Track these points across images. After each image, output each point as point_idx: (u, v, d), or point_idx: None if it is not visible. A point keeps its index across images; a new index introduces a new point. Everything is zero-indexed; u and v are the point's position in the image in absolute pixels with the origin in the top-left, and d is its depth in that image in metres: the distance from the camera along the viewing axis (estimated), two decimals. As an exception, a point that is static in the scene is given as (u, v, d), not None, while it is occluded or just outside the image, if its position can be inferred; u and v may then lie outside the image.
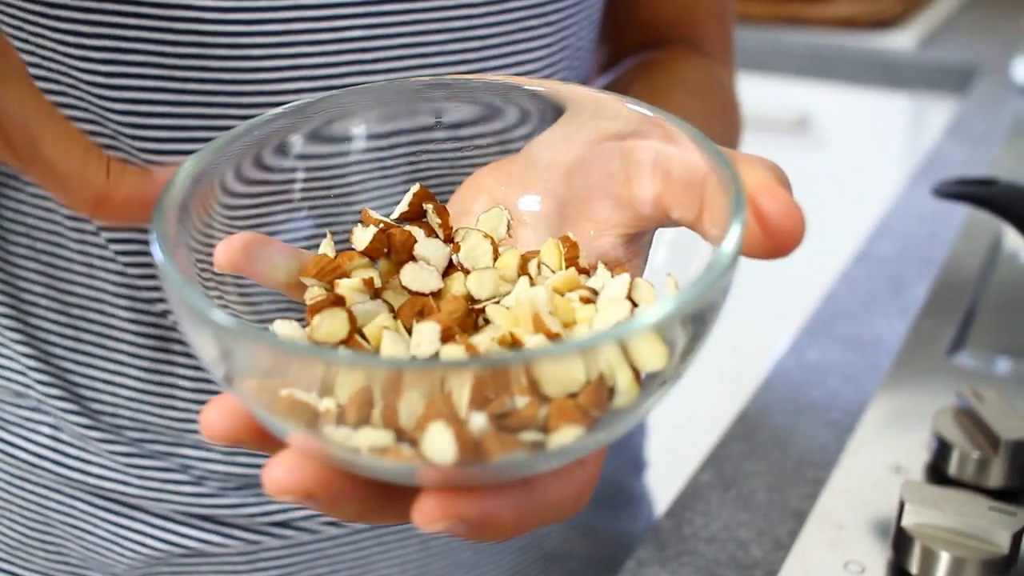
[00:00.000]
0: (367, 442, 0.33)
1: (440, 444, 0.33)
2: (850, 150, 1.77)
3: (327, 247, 0.43)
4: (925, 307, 0.82)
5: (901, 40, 1.79)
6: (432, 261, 0.43)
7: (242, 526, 0.61)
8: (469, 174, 0.46)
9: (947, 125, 1.37)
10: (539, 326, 0.38)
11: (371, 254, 0.42)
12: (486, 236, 0.43)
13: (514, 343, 0.39)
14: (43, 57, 0.53)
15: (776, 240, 0.38)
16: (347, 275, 0.41)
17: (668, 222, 0.41)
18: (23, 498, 0.63)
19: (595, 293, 0.41)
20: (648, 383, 0.36)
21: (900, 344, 0.77)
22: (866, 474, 0.63)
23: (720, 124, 0.69)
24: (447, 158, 0.47)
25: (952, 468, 0.62)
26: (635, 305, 0.40)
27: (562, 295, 0.41)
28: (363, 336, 0.39)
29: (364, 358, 0.34)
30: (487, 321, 0.41)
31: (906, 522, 0.56)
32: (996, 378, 0.74)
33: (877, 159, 1.74)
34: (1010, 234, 0.94)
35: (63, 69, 0.53)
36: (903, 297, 0.88)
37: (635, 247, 0.43)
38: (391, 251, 0.43)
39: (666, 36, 0.73)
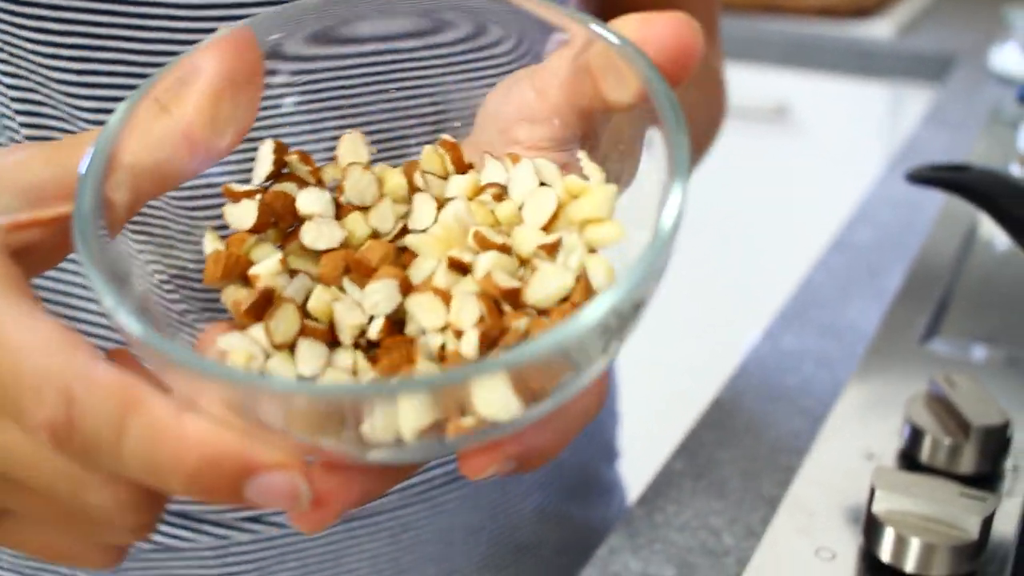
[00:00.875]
0: (412, 426, 0.32)
1: (501, 399, 0.32)
2: (829, 138, 1.77)
3: (213, 242, 0.40)
4: (900, 294, 0.82)
5: (880, 29, 1.79)
6: (321, 212, 0.40)
7: (212, 521, 0.61)
8: (409, 99, 0.45)
9: (925, 113, 1.37)
10: (485, 243, 0.38)
11: (260, 229, 0.40)
12: (365, 167, 0.41)
13: (463, 269, 0.38)
14: (11, 55, 0.52)
15: (680, 65, 0.38)
16: (250, 262, 0.39)
17: (592, 115, 0.40)
18: (-9, 492, 0.62)
19: (503, 188, 0.40)
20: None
21: (875, 331, 0.77)
22: (838, 461, 0.63)
23: (704, 101, 0.69)
24: (381, 90, 0.45)
25: (924, 454, 0.62)
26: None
27: (471, 200, 0.40)
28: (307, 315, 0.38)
29: (412, 383, 0.32)
30: (403, 249, 0.40)
31: (877, 508, 0.55)
32: (970, 364, 0.74)
33: (855, 147, 1.74)
34: (986, 221, 0.94)
35: (31, 67, 0.52)
36: (879, 284, 0.88)
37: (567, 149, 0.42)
38: (276, 218, 0.40)
39: None
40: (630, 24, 0.38)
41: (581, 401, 0.37)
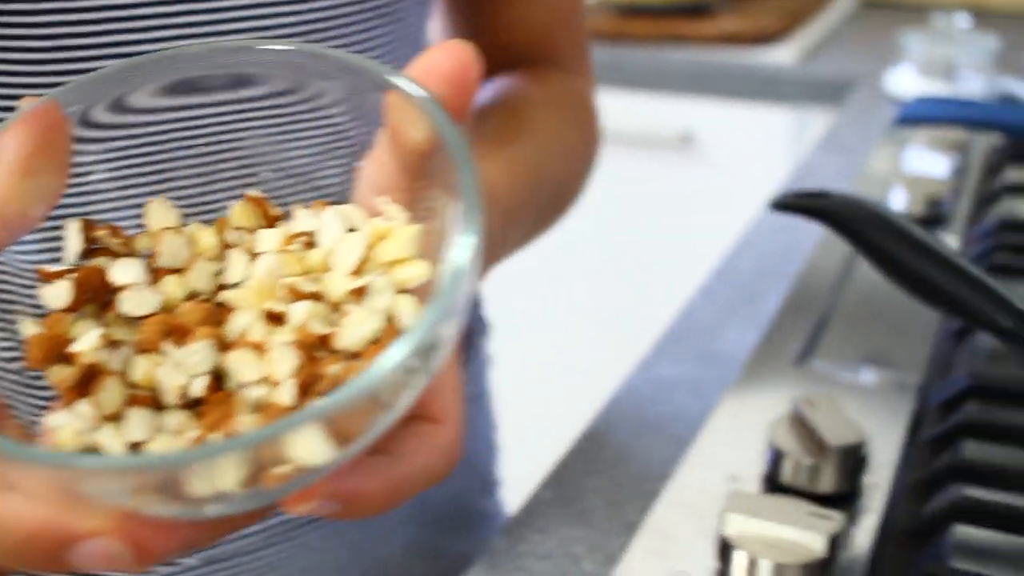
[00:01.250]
0: (230, 482, 0.33)
1: (314, 446, 0.33)
2: (734, 165, 1.80)
3: (30, 326, 0.40)
4: (777, 318, 0.84)
5: (782, 55, 1.81)
6: (135, 281, 0.41)
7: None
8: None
9: (821, 137, 1.39)
10: (297, 293, 0.39)
11: (77, 307, 0.41)
12: (175, 231, 0.42)
13: (278, 319, 0.39)
14: None
15: (462, 92, 0.40)
16: (70, 340, 0.40)
17: (413, 168, 0.42)
18: None
19: (311, 236, 0.42)
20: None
21: (749, 355, 0.78)
22: (701, 485, 0.64)
23: (578, 136, 0.71)
24: (197, 151, 0.46)
25: (786, 476, 0.63)
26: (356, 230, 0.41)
27: (282, 251, 0.41)
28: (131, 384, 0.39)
29: (225, 444, 0.33)
30: (221, 305, 0.41)
31: (729, 531, 0.56)
32: (843, 386, 0.74)
33: (761, 173, 1.76)
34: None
35: None
36: (759, 310, 0.89)
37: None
38: (91, 294, 0.41)
39: (527, 55, 0.75)
40: (415, 63, 0.40)
41: (421, 459, 0.38)
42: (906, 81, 1.53)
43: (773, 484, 0.64)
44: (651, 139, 1.81)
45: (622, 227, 1.89)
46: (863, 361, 0.79)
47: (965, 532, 0.62)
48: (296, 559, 0.64)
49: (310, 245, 0.41)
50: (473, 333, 0.80)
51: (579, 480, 0.67)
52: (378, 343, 0.38)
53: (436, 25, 0.76)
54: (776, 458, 0.64)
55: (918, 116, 1.02)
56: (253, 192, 0.44)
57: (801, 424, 0.65)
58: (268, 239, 0.42)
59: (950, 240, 0.98)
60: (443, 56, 0.39)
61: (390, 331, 0.38)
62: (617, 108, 1.84)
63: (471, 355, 0.79)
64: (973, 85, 1.51)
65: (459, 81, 0.39)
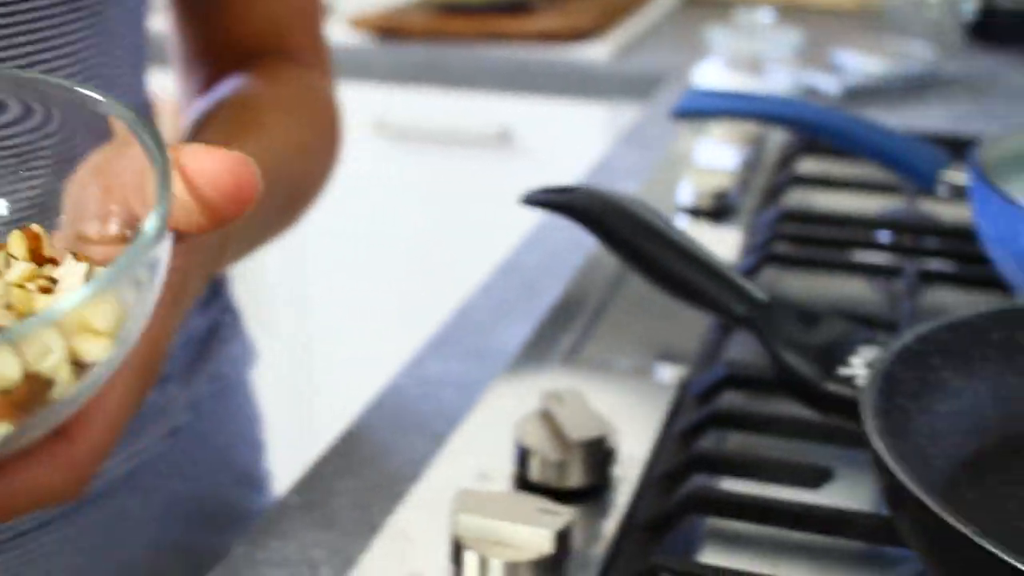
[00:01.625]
0: None
1: None
2: (550, 161, 1.81)
3: None
4: (551, 314, 0.84)
5: (599, 52, 1.83)
6: None
7: None
8: None
9: (624, 131, 1.40)
10: None
11: None
12: None
13: None
14: None
15: (236, 202, 0.40)
16: None
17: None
18: None
19: (54, 282, 0.41)
20: (86, 370, 0.37)
21: (517, 352, 0.78)
22: (449, 485, 0.64)
23: (312, 132, 0.70)
24: None
25: (534, 473, 0.63)
26: None
27: (22, 287, 0.41)
28: None
29: None
30: None
31: (459, 531, 0.56)
32: (610, 380, 0.74)
33: (575, 168, 1.77)
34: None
35: None
36: (539, 306, 0.89)
37: None
38: None
39: (260, 50, 0.73)
40: (195, 153, 0.40)
41: (32, 476, 0.37)
42: (712, 75, 1.55)
43: (523, 482, 0.64)
44: (468, 137, 1.81)
45: (436, 225, 1.89)
46: (633, 355, 0.79)
47: (717, 523, 0.62)
48: (26, 569, 0.62)
49: (47, 290, 0.41)
50: (218, 326, 0.79)
51: (330, 483, 0.66)
52: (7, 394, 0.37)
53: (164, 18, 0.75)
54: (523, 455, 0.63)
55: (691, 110, 1.03)
56: (35, 227, 0.44)
57: (548, 420, 0.65)
58: (14, 271, 0.42)
59: (734, 232, 0.99)
60: (225, 169, 0.39)
61: (26, 390, 0.37)
62: (435, 106, 1.84)
63: (215, 348, 0.77)
64: (778, 79, 1.54)
65: (234, 197, 0.40)
